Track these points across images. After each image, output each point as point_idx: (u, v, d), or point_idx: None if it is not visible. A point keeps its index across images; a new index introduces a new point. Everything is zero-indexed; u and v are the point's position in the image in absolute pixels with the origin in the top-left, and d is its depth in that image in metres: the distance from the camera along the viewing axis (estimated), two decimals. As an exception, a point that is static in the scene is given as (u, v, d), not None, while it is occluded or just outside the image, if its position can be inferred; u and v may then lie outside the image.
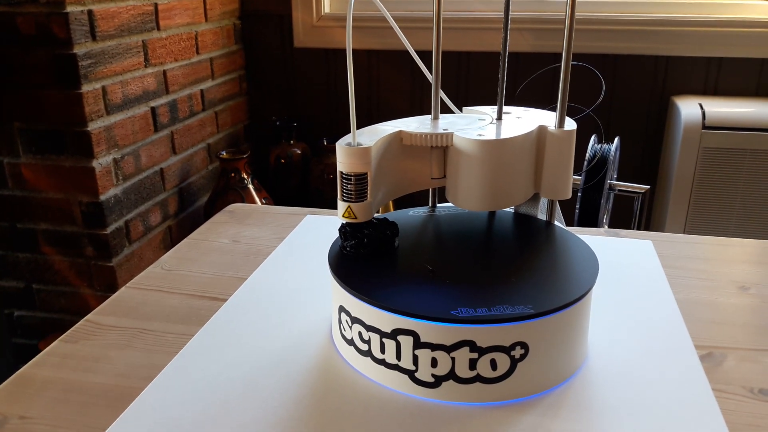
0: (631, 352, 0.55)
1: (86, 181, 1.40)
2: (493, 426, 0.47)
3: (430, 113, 0.62)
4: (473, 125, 0.58)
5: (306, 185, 2.01)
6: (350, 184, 0.53)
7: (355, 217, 0.54)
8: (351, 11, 0.51)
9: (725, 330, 0.59)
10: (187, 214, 1.78)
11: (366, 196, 0.53)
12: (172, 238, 1.71)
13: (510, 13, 0.58)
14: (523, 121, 0.59)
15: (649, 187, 1.37)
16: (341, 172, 0.53)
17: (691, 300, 0.65)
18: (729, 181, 1.67)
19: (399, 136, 0.57)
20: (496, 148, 0.55)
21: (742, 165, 1.65)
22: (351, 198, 0.53)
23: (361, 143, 0.52)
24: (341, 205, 0.54)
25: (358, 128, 0.54)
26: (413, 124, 0.58)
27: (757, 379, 0.52)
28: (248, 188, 1.76)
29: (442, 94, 0.63)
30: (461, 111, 0.65)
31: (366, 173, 0.53)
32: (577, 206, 1.29)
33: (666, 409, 0.48)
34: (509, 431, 0.46)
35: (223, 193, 1.75)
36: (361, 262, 0.55)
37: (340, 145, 0.52)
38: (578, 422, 0.47)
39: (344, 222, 0.56)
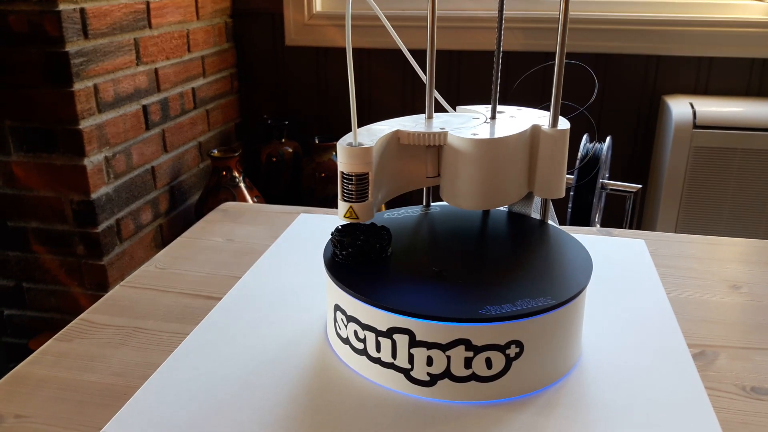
0: (625, 350, 0.56)
1: (77, 180, 1.39)
2: (489, 424, 0.47)
3: (422, 112, 0.62)
4: (467, 124, 0.58)
5: (297, 184, 2.00)
6: (351, 184, 0.53)
7: (357, 217, 0.54)
8: (350, 9, 0.51)
9: (717, 328, 0.60)
10: (178, 212, 1.78)
11: (367, 196, 0.53)
12: (163, 237, 1.71)
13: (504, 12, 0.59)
14: (516, 120, 0.60)
15: (640, 186, 1.37)
16: (342, 172, 0.53)
17: (683, 299, 0.65)
18: (720, 180, 1.68)
19: (396, 135, 0.57)
20: (491, 147, 0.55)
21: (733, 164, 1.66)
22: (352, 198, 0.53)
23: (362, 143, 0.52)
24: (342, 206, 0.54)
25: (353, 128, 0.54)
26: (408, 124, 0.58)
27: (749, 377, 0.53)
28: (239, 187, 1.76)
29: (436, 94, 0.63)
30: (455, 110, 0.65)
31: (367, 173, 0.53)
32: (570, 205, 1.29)
33: (659, 407, 0.49)
34: (504, 430, 0.46)
35: (215, 191, 1.74)
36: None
37: (342, 145, 0.52)
38: (573, 420, 0.47)
39: (337, 228, 0.56)
